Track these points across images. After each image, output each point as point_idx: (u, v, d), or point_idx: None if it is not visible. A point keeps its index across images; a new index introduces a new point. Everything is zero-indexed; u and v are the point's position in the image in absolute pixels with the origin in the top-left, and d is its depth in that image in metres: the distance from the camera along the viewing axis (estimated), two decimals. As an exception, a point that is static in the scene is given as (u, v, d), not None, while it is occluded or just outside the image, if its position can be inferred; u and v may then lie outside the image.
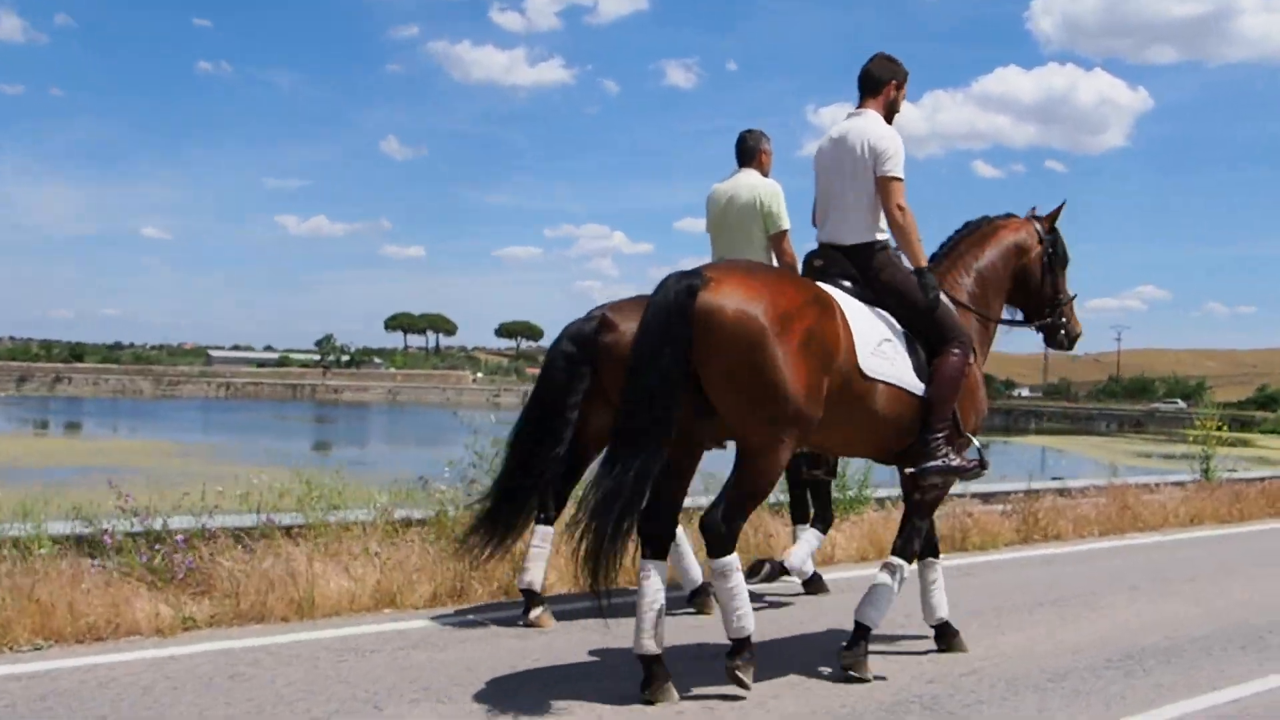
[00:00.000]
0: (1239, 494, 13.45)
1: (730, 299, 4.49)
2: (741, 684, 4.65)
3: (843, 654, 5.14)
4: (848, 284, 5.25)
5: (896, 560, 5.28)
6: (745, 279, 4.63)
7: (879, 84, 5.52)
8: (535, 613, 5.86)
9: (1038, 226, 6.11)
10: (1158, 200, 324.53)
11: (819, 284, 5.02)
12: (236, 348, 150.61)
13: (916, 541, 5.37)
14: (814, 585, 7.09)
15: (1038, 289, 6.07)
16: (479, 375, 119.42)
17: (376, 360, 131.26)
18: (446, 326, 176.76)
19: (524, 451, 5.82)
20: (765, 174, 6.58)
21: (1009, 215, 6.14)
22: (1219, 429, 14.96)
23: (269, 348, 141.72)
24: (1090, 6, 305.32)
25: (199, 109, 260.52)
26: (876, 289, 5.29)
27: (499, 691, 4.72)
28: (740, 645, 4.65)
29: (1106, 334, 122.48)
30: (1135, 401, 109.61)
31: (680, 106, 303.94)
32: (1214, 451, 14.68)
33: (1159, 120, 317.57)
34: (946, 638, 5.70)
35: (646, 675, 4.59)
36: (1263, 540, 11.13)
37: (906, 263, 5.36)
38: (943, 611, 5.69)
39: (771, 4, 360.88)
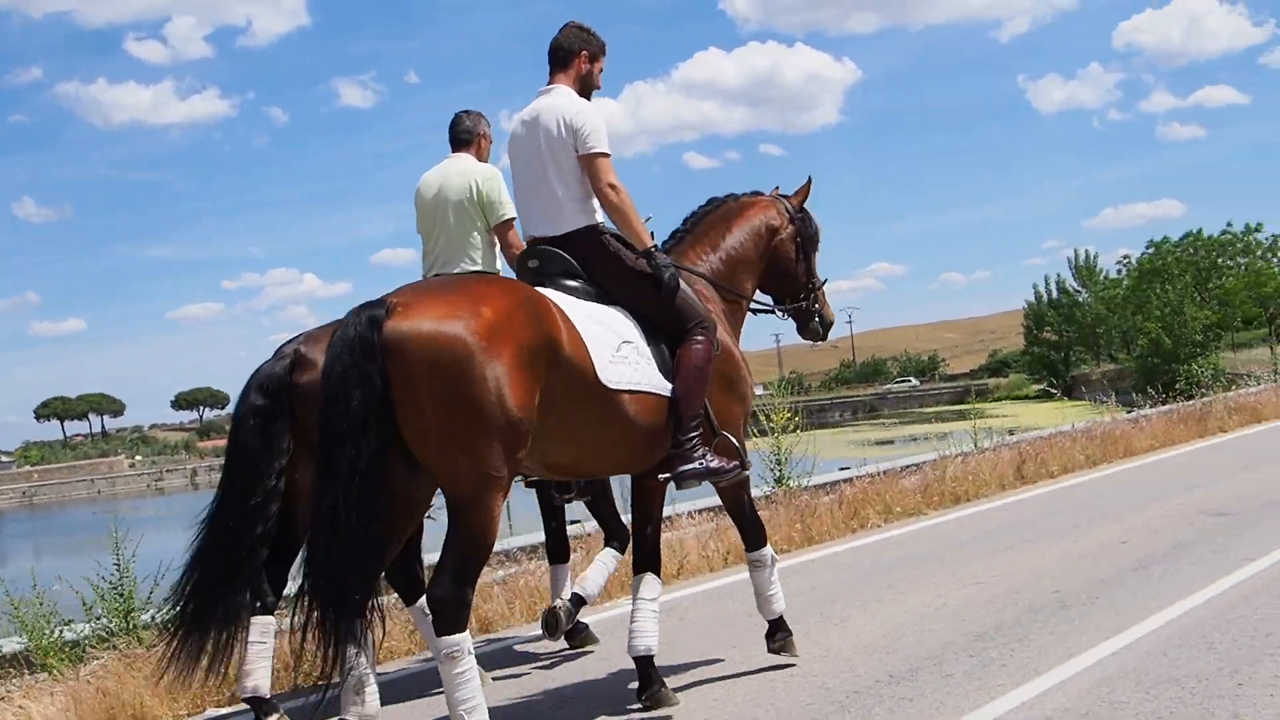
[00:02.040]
0: (806, 509, 10.61)
1: (422, 322, 4.22)
2: None
3: (769, 641, 5.87)
4: (572, 283, 5.13)
5: (756, 554, 5.75)
6: (437, 295, 4.40)
7: (568, 56, 5.45)
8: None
9: (787, 205, 6.20)
10: (880, 174, 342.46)
11: (534, 287, 4.83)
12: None
13: (758, 525, 5.78)
14: (580, 636, 6.88)
15: (790, 272, 6.16)
16: (138, 459, 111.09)
17: (4, 458, 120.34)
18: (112, 406, 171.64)
19: (221, 537, 5.29)
20: (484, 160, 6.33)
21: (756, 193, 6.20)
22: (792, 420, 12.25)
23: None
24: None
25: None
26: (603, 280, 5.20)
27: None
28: None
29: (839, 318, 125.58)
30: (869, 385, 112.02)
31: (360, 127, 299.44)
32: (786, 453, 11.90)
33: (869, 91, 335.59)
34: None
35: None
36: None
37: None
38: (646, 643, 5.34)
39: (449, 2, 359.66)
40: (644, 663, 5.31)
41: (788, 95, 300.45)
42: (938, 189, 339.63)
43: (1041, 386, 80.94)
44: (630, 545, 5.71)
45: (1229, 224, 73.34)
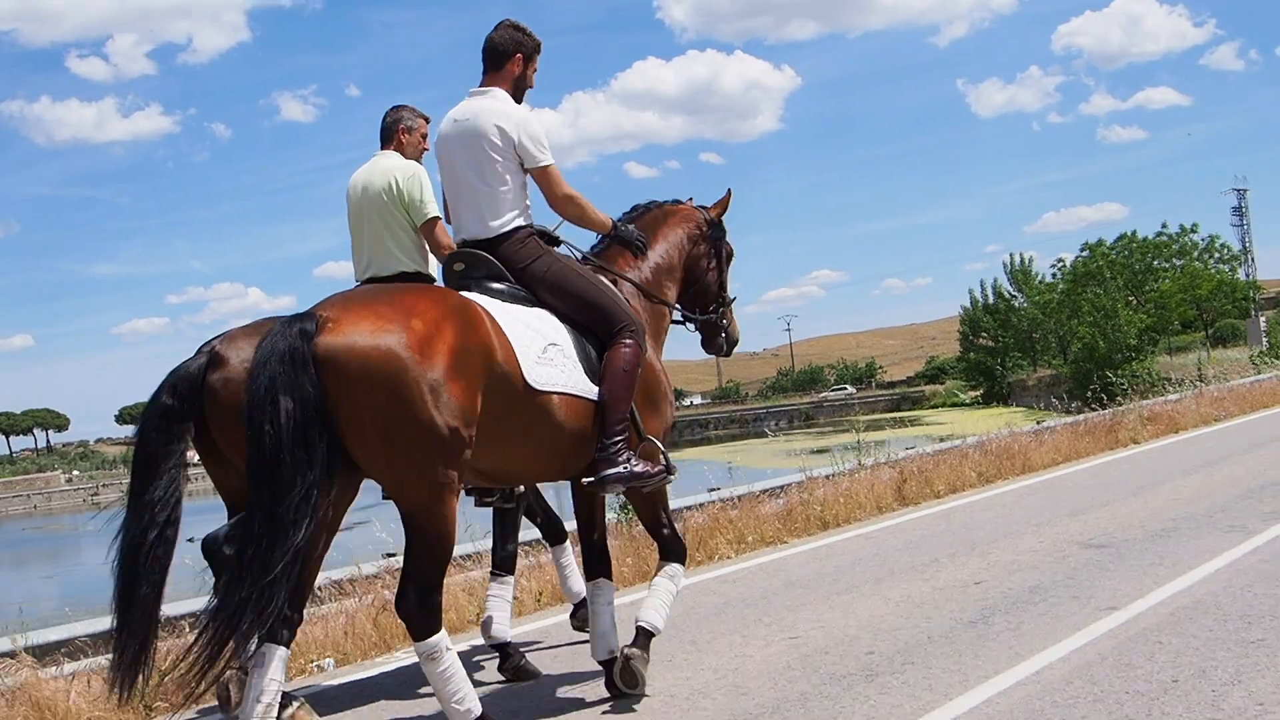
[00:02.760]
0: (645, 540, 9.19)
1: (354, 336, 4.19)
2: None
3: (626, 649, 5.31)
4: (498, 286, 5.10)
5: (674, 566, 5.59)
6: (367, 307, 4.33)
7: (503, 57, 5.33)
8: None
9: (706, 216, 6.18)
10: (820, 181, 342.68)
11: (460, 293, 4.83)
12: None
13: (678, 539, 5.67)
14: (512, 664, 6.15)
15: (704, 283, 6.15)
16: (75, 474, 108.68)
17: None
18: (56, 421, 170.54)
19: (128, 540, 4.96)
20: (409, 156, 6.05)
21: (677, 201, 6.20)
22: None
23: None
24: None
25: None
26: (530, 282, 5.17)
27: None
28: None
29: (779, 326, 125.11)
30: (806, 394, 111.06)
31: (302, 141, 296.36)
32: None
33: (809, 98, 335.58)
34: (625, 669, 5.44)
35: None
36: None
37: (564, 250, 5.40)
38: (612, 643, 5.51)
39: (387, 16, 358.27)
40: (607, 665, 5.41)
41: (727, 103, 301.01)
42: (879, 195, 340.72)
43: (978, 394, 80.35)
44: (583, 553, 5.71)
45: (1163, 225, 72.82)
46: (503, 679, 6.08)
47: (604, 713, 5.25)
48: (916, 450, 13.94)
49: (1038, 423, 18.58)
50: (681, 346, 5.94)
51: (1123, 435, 16.60)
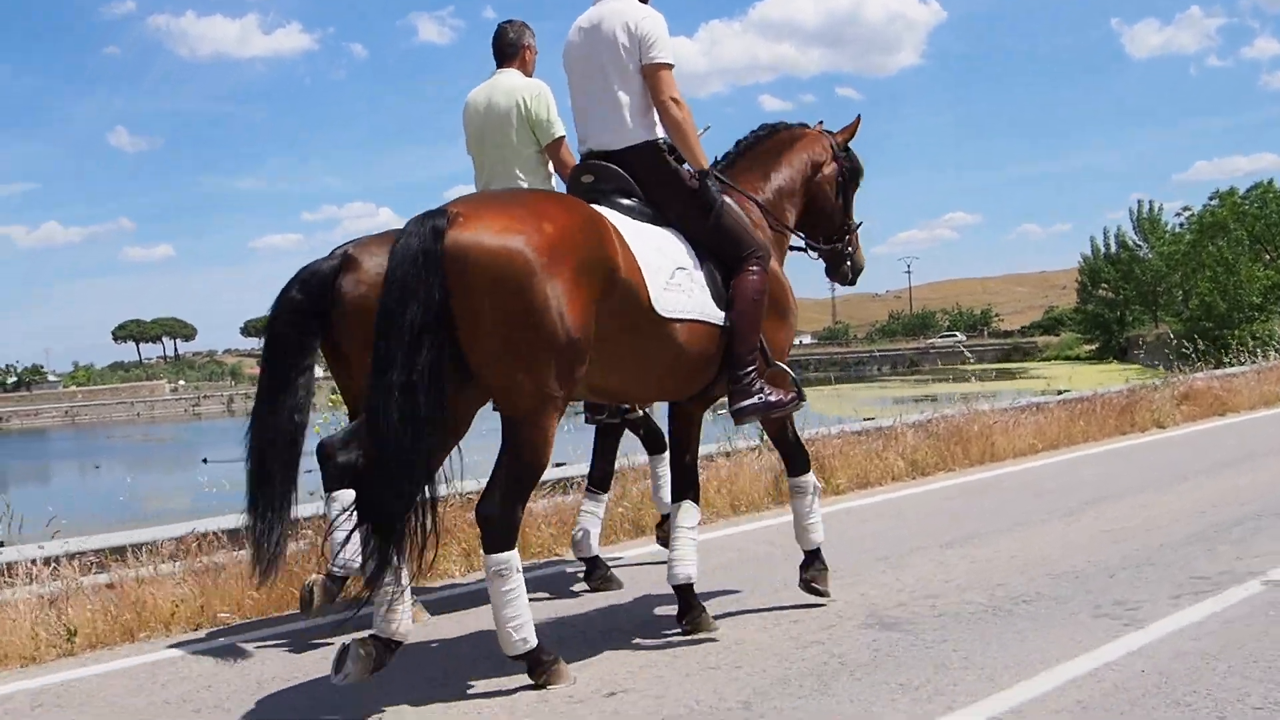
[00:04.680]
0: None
1: (485, 234, 4.11)
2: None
3: (802, 573, 5.52)
4: (627, 202, 4.94)
5: (800, 480, 5.54)
6: (500, 208, 4.30)
7: None
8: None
9: (833, 141, 6.03)
10: (961, 120, 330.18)
11: (592, 206, 4.65)
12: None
13: (801, 453, 5.56)
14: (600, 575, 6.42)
15: (828, 211, 5.98)
16: (181, 383, 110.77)
17: (52, 378, 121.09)
18: (184, 331, 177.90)
19: (261, 434, 5.03)
20: (529, 74, 6.07)
21: (803, 125, 6.02)
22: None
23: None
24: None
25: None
26: (660, 200, 5.00)
27: None
28: (529, 661, 4.35)
29: (898, 268, 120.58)
30: (914, 339, 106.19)
31: (437, 64, 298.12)
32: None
33: (953, 33, 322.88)
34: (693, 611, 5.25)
35: None
36: None
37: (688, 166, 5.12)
38: (689, 570, 5.23)
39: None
40: (684, 590, 5.15)
41: (869, 35, 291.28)
42: (1020, 137, 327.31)
43: (1093, 347, 75.37)
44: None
45: (1306, 175, 66.31)
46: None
47: None
48: (828, 430, 10.76)
49: (1090, 390, 15.17)
50: (795, 283, 5.61)
51: (1141, 417, 13.21)
